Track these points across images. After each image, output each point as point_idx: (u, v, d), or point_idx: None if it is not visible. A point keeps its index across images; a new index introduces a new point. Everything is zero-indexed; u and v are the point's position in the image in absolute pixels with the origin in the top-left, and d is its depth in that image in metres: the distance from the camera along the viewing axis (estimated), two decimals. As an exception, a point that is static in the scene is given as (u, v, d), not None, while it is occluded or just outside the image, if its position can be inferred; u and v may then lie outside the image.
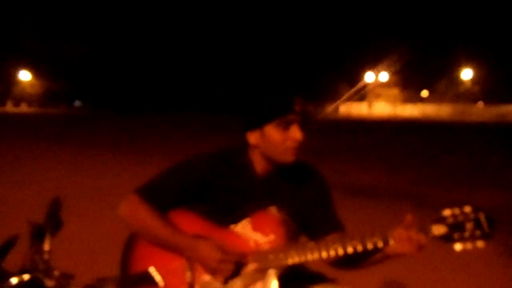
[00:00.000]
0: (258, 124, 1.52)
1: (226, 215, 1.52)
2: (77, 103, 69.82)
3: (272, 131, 1.51)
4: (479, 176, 8.63)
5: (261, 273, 1.43)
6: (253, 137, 1.55)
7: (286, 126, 1.50)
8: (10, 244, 1.30)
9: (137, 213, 1.52)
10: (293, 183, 1.62)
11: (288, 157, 1.52)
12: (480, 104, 54.44)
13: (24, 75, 67.17)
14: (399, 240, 1.38)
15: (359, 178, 8.15)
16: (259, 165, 1.59)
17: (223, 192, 1.57)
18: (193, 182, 1.56)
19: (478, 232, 1.37)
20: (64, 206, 1.47)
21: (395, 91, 64.33)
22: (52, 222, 1.36)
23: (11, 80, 66.70)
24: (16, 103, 67.14)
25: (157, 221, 1.50)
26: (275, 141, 1.51)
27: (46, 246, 1.30)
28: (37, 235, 1.32)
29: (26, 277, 1.24)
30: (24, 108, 63.68)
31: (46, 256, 1.28)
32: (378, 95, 65.15)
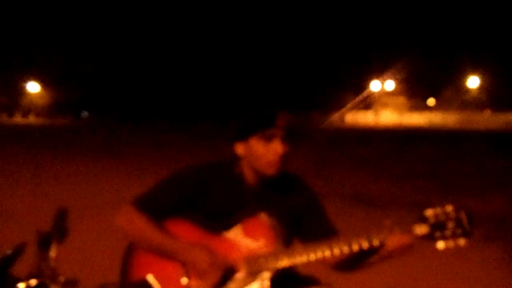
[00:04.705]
0: (243, 136, 1.60)
1: (219, 223, 1.59)
2: (85, 113, 70.15)
3: (255, 144, 1.58)
4: (487, 185, 8.59)
5: (254, 277, 1.48)
6: (239, 149, 1.63)
7: (268, 140, 1.56)
8: (18, 251, 1.35)
9: (133, 223, 1.59)
10: (281, 192, 1.69)
11: (270, 170, 1.59)
12: (487, 111, 54.09)
13: (33, 86, 67.75)
14: (390, 245, 1.44)
15: (365, 187, 8.14)
16: (249, 176, 1.66)
17: (215, 201, 1.64)
18: (186, 193, 1.63)
19: (459, 231, 1.42)
20: (70, 215, 1.52)
21: (401, 100, 64.14)
22: (58, 231, 1.41)
23: (20, 91, 67.30)
24: (25, 114, 67.71)
25: (152, 230, 1.57)
26: (258, 153, 1.58)
27: (53, 254, 1.35)
28: (44, 243, 1.37)
29: (33, 282, 1.30)
30: (32, 119, 64.19)
31: (52, 263, 1.33)
32: (384, 104, 64.97)
